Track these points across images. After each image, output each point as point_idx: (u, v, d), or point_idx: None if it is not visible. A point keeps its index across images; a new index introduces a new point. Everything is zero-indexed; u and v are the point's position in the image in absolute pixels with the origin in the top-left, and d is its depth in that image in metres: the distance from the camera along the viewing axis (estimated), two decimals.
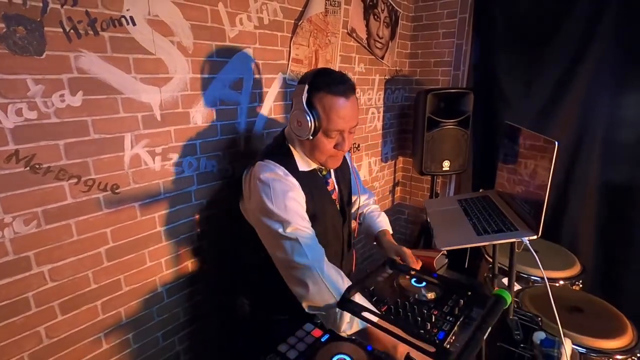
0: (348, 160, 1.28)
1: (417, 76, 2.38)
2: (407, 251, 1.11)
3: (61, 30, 0.90)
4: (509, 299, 0.76)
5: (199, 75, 1.22)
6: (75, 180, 0.99)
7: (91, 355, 1.12)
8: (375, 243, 1.30)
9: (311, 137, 0.97)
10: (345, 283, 0.93)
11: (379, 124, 2.26)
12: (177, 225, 1.26)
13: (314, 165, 1.09)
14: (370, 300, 1.11)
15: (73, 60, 0.94)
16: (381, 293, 1.14)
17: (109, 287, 1.12)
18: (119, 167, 1.08)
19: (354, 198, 1.28)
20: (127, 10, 1.01)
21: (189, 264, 1.33)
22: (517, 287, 1.34)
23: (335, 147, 1.00)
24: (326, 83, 0.95)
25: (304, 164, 1.06)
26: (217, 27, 1.24)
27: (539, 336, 1.04)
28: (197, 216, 1.31)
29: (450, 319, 1.08)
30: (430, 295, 1.10)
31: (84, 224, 1.03)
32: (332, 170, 1.17)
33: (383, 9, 2.01)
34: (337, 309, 0.87)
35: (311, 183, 1.05)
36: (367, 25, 1.92)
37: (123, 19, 1.01)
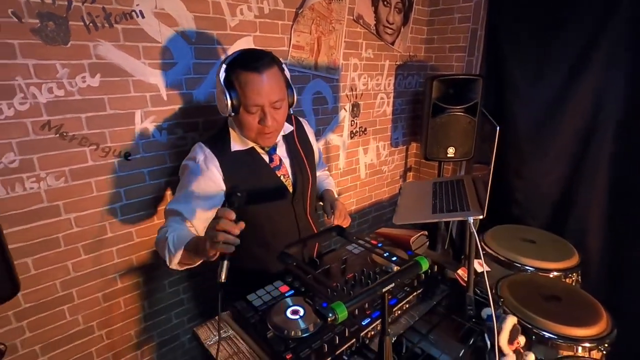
0: (308, 134, 1.32)
1: (433, 62, 2.37)
2: (339, 204, 1.22)
3: (82, 23, 1.12)
4: (425, 265, 0.85)
5: (201, 61, 1.39)
6: (94, 146, 1.22)
7: (108, 290, 1.38)
8: (320, 203, 1.36)
9: (232, 114, 1.02)
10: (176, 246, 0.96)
11: (389, 109, 2.31)
12: None
13: (252, 144, 1.13)
14: (340, 268, 1.24)
15: (92, 48, 1.15)
16: (352, 263, 1.28)
17: (123, 237, 1.37)
18: (131, 137, 1.30)
19: (318, 172, 1.36)
20: (137, 5, 1.20)
21: None
22: (482, 268, 1.38)
23: (259, 122, 1.03)
24: (242, 60, 0.99)
25: (240, 143, 1.12)
26: (218, 18, 1.40)
27: (486, 312, 1.10)
28: None
29: (408, 289, 1.19)
30: (396, 268, 1.20)
31: (102, 183, 1.27)
32: (280, 146, 1.20)
33: None
34: (165, 241, 0.95)
35: (244, 163, 1.11)
36: (375, 12, 1.97)
37: (133, 13, 1.20)
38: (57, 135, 1.15)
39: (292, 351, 0.87)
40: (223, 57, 1.44)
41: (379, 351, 0.78)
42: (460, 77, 2.02)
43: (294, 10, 1.62)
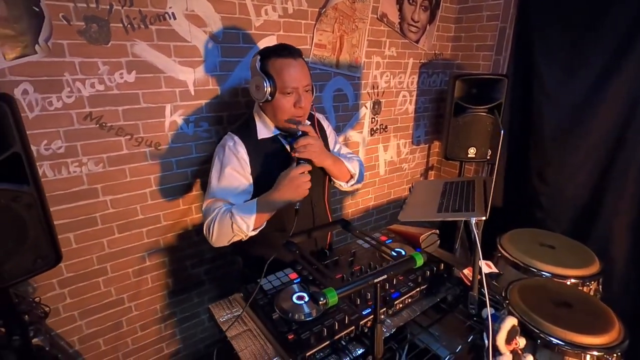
0: (325, 128, 1.38)
1: (459, 60, 2.34)
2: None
3: (121, 25, 1.24)
4: (419, 261, 0.89)
5: (227, 59, 1.48)
6: (129, 136, 1.35)
7: (138, 267, 1.53)
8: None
9: (270, 98, 1.10)
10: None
11: (411, 107, 2.31)
12: (205, 180, 1.58)
13: (276, 132, 1.21)
14: (348, 260, 1.30)
15: (129, 47, 1.27)
16: (361, 256, 1.33)
17: (152, 219, 1.50)
18: (161, 129, 1.41)
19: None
20: (170, 7, 1.30)
21: None
22: (486, 269, 1.37)
23: (294, 105, 1.13)
24: (274, 50, 1.11)
25: (265, 131, 1.20)
26: (244, 18, 1.48)
27: (486, 311, 1.12)
28: None
29: (411, 284, 1.24)
30: None
31: (134, 169, 1.40)
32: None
33: None
34: (230, 219, 1.09)
35: (267, 149, 1.19)
36: (400, 10, 1.98)
37: (166, 15, 1.31)
38: (97, 125, 1.28)
39: (295, 332, 0.94)
40: (248, 55, 1.53)
41: (370, 337, 0.84)
42: (484, 76, 1.99)
43: (317, 9, 1.67)
